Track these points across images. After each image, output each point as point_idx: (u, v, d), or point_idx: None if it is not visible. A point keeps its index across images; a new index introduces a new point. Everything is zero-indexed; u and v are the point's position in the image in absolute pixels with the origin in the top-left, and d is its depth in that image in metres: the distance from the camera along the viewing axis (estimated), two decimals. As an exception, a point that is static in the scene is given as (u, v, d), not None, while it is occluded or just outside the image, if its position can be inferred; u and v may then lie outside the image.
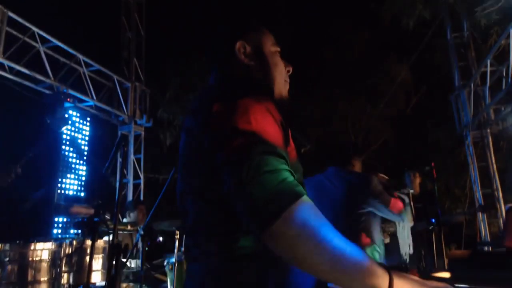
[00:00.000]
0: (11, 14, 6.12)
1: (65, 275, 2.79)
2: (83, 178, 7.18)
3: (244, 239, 1.08)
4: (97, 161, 7.28)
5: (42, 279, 2.62)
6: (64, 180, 6.73)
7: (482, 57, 8.34)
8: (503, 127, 8.30)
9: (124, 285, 3.74)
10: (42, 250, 2.69)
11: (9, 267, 2.50)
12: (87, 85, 7.66)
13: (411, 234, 4.64)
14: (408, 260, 4.44)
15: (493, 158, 8.22)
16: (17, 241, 2.62)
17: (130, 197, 8.59)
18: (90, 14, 10.73)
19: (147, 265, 4.04)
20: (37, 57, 6.66)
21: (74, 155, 7.03)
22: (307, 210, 0.95)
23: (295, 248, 0.93)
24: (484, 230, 8.05)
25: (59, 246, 2.81)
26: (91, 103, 7.76)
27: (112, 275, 2.46)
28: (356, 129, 13.79)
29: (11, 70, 6.21)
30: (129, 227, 4.41)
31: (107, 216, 3.39)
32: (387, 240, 4.45)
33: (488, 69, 7.57)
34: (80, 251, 2.88)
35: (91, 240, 2.70)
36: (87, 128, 7.55)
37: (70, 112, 7.04)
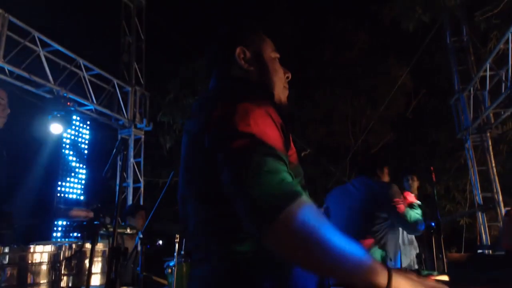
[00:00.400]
0: (11, 18, 6.14)
1: (65, 278, 2.79)
2: (83, 182, 7.18)
3: (245, 242, 1.09)
4: (97, 165, 7.27)
5: (41, 282, 2.62)
6: (64, 184, 6.73)
7: (481, 61, 8.36)
8: (503, 131, 8.32)
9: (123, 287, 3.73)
10: (41, 253, 2.69)
11: (8, 270, 2.49)
12: (87, 89, 7.67)
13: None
14: (415, 264, 4.46)
15: (493, 161, 8.23)
16: (17, 244, 2.62)
17: (130, 200, 8.59)
18: (90, 18, 10.75)
19: (147, 268, 4.04)
20: (37, 61, 6.67)
21: (74, 159, 7.03)
22: (306, 210, 0.96)
23: (295, 247, 0.94)
24: (484, 234, 8.05)
25: (59, 249, 2.81)
26: (91, 107, 7.76)
27: (112, 278, 2.46)
28: (356, 131, 13.79)
29: (12, 74, 6.22)
30: (128, 230, 4.41)
31: (107, 220, 3.39)
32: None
33: (488, 73, 7.59)
34: (79, 254, 2.88)
35: (90, 243, 2.70)
36: (87, 132, 7.56)
37: (70, 116, 7.05)
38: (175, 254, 3.58)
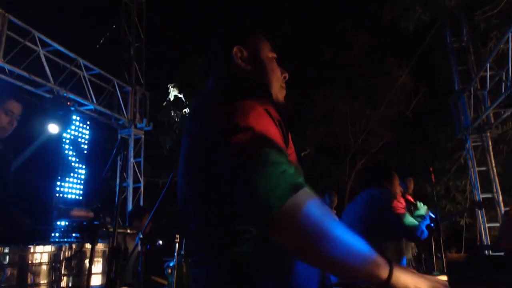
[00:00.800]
0: (11, 18, 6.14)
1: (65, 279, 2.79)
2: (83, 182, 7.17)
3: (246, 243, 1.09)
4: (97, 165, 7.27)
5: (41, 282, 2.62)
6: (64, 184, 6.72)
7: (481, 61, 8.36)
8: (503, 131, 8.32)
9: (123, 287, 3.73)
10: (41, 253, 2.69)
11: (8, 270, 2.50)
12: (87, 88, 7.67)
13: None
14: (413, 262, 4.47)
15: (493, 161, 8.23)
16: (17, 244, 2.62)
17: (130, 200, 8.59)
18: (90, 18, 10.76)
19: (147, 267, 4.04)
20: (37, 61, 6.67)
21: (74, 159, 7.03)
22: (311, 200, 0.96)
23: (300, 237, 0.94)
24: (484, 234, 8.05)
25: (59, 249, 2.81)
26: (91, 106, 7.76)
27: (112, 278, 2.46)
28: (356, 131, 13.80)
29: (12, 74, 6.22)
30: (129, 231, 4.41)
31: (107, 220, 3.39)
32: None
33: (488, 73, 7.58)
34: (79, 254, 2.89)
35: (90, 243, 2.70)
36: (87, 132, 7.55)
37: (70, 116, 7.05)
38: (175, 254, 3.58)
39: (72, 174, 6.90)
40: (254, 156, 0.98)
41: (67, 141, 6.90)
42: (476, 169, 8.42)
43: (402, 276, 0.95)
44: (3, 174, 2.86)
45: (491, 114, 8.13)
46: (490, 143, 8.34)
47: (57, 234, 5.30)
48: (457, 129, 8.92)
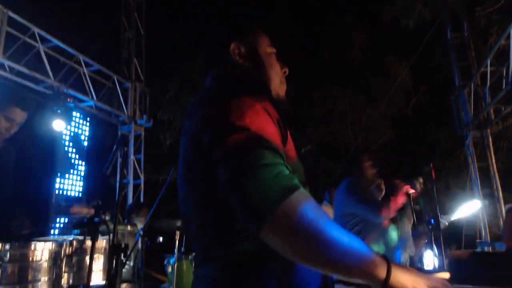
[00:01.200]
0: (11, 14, 6.12)
1: (65, 275, 2.79)
2: (83, 178, 7.17)
3: (248, 241, 1.08)
4: (97, 161, 7.27)
5: (42, 279, 2.63)
6: (64, 180, 6.72)
7: (482, 57, 8.34)
8: (503, 127, 8.31)
9: (124, 285, 3.74)
10: (42, 250, 2.70)
11: (9, 267, 2.50)
12: (87, 85, 7.66)
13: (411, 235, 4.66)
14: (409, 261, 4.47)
15: (493, 158, 8.22)
16: (17, 241, 2.62)
17: (130, 197, 8.59)
18: (90, 13, 10.73)
19: (147, 264, 4.04)
20: (37, 57, 6.66)
21: (75, 156, 7.03)
22: (305, 203, 0.95)
23: (294, 241, 0.93)
24: (484, 230, 8.05)
25: (60, 246, 2.82)
26: (91, 103, 7.75)
27: (112, 275, 2.46)
28: (356, 129, 13.79)
29: (11, 70, 6.20)
30: (129, 228, 4.41)
31: (107, 216, 3.39)
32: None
33: (488, 69, 7.56)
34: (80, 251, 2.89)
35: (91, 240, 2.70)
36: (87, 128, 7.55)
37: (70, 112, 7.04)
38: (175, 251, 3.58)
39: (72, 171, 6.89)
40: (248, 158, 0.97)
41: (67, 137, 6.89)
42: (476, 165, 8.42)
43: (400, 275, 0.95)
44: (4, 172, 2.85)
45: (492, 110, 8.12)
46: (490, 139, 8.33)
47: (57, 231, 5.31)
48: (457, 126, 8.91)
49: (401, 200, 3.40)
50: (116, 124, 8.81)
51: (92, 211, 2.83)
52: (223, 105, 1.09)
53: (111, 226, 2.74)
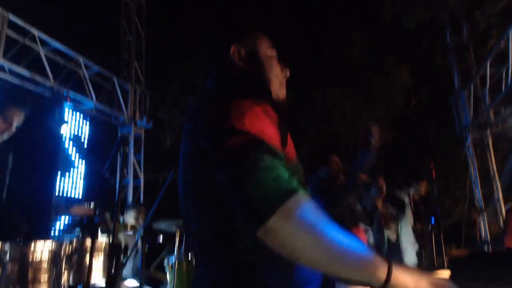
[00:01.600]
0: (11, 17, 6.13)
1: (65, 275, 2.79)
2: (83, 179, 7.18)
3: (248, 240, 1.08)
4: (97, 162, 7.27)
5: (42, 278, 2.63)
6: (64, 180, 6.73)
7: (481, 59, 8.35)
8: (503, 129, 8.31)
9: (124, 282, 3.74)
10: (42, 250, 2.70)
11: (9, 266, 2.50)
12: (87, 87, 7.66)
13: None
14: (416, 259, 4.46)
15: (493, 159, 8.21)
16: (17, 240, 2.62)
17: (130, 198, 8.59)
18: (90, 16, 10.76)
19: (147, 264, 4.04)
20: (37, 60, 6.67)
21: (74, 156, 7.03)
22: (304, 206, 0.95)
23: (292, 243, 0.93)
24: (484, 230, 8.04)
25: (59, 245, 2.82)
26: (91, 104, 7.75)
27: (112, 274, 2.46)
28: (356, 129, 13.77)
29: (12, 72, 6.21)
30: (129, 229, 4.41)
31: (107, 216, 3.39)
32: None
33: (488, 71, 7.57)
34: (80, 250, 2.89)
35: (91, 240, 2.70)
36: (87, 130, 7.56)
37: (70, 113, 7.05)
38: (175, 250, 3.58)
39: (72, 170, 6.90)
40: (248, 161, 0.97)
41: (67, 138, 6.90)
42: (476, 166, 8.42)
43: (401, 276, 0.94)
44: (1, 171, 2.86)
45: (491, 112, 8.12)
46: (490, 141, 8.33)
47: (57, 231, 5.31)
48: (457, 127, 8.91)
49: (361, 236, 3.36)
50: (116, 126, 8.82)
51: (92, 211, 2.84)
52: (223, 107, 1.09)
53: (111, 226, 2.74)
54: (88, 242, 2.83)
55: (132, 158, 8.84)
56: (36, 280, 2.60)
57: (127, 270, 3.78)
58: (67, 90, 6.92)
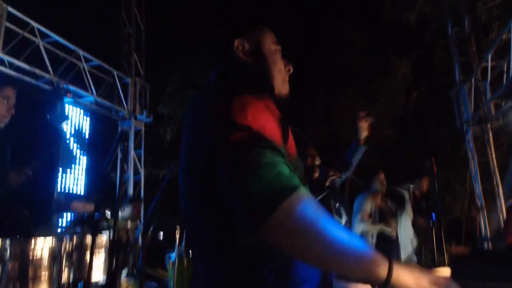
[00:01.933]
0: (10, 9, 6.10)
1: (66, 271, 2.80)
2: (84, 174, 7.18)
3: (248, 237, 1.08)
4: (98, 157, 7.28)
5: (42, 275, 2.63)
6: (65, 175, 6.74)
7: (483, 51, 8.31)
8: (504, 123, 8.29)
9: (124, 280, 3.75)
10: (42, 246, 2.70)
11: (9, 263, 2.50)
12: (87, 80, 7.65)
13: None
14: (414, 255, 4.47)
15: (493, 153, 8.20)
16: (18, 237, 2.61)
17: (130, 192, 8.60)
18: (89, 9, 10.70)
19: (148, 260, 4.05)
20: (36, 53, 6.65)
21: (75, 151, 7.04)
22: (304, 203, 0.95)
23: (293, 241, 0.94)
24: (484, 226, 8.05)
25: (60, 242, 2.82)
26: (91, 98, 7.74)
27: (113, 271, 2.46)
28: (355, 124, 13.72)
29: (11, 66, 6.19)
30: (129, 224, 4.41)
31: (108, 212, 3.40)
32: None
33: (489, 64, 7.53)
34: (80, 247, 2.89)
35: (91, 236, 2.70)
36: (87, 124, 7.55)
37: (70, 107, 7.05)
38: (175, 246, 3.59)
39: (73, 166, 6.91)
40: (249, 157, 0.97)
41: (68, 132, 6.90)
42: (477, 161, 8.41)
43: (402, 274, 0.95)
44: (1, 166, 2.85)
45: (492, 106, 8.09)
46: (491, 135, 8.32)
47: (58, 227, 5.32)
48: (457, 121, 8.89)
49: None
50: (116, 120, 8.81)
51: (92, 207, 2.84)
52: (225, 101, 1.08)
53: (111, 222, 2.74)
54: (89, 238, 2.83)
55: (132, 153, 8.83)
56: (36, 278, 2.60)
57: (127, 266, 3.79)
58: (66, 84, 6.90)
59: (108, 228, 3.19)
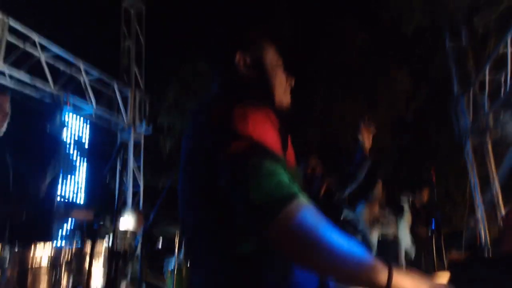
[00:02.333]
0: (11, 22, 6.14)
1: (65, 280, 2.79)
2: (84, 183, 7.17)
3: (246, 243, 1.08)
4: (97, 167, 7.28)
5: (41, 283, 2.62)
6: (64, 183, 6.73)
7: (481, 64, 8.36)
8: (502, 134, 8.30)
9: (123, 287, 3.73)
10: (42, 255, 2.69)
11: (8, 270, 2.49)
12: (87, 92, 7.68)
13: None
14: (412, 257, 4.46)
15: (492, 164, 8.20)
16: (17, 247, 2.61)
17: (129, 203, 8.57)
18: (90, 23, 10.78)
19: (147, 269, 4.04)
20: (37, 66, 6.68)
21: (75, 161, 7.04)
22: (304, 210, 0.96)
23: (294, 248, 0.94)
24: (484, 235, 8.02)
25: (59, 251, 2.81)
26: (91, 110, 7.76)
27: (112, 279, 2.46)
28: (355, 133, 13.69)
29: (12, 78, 6.22)
30: (128, 234, 4.41)
31: (107, 222, 3.39)
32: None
33: (487, 76, 7.58)
34: (79, 256, 2.88)
35: (91, 245, 2.70)
36: (87, 135, 7.56)
37: (70, 115, 7.05)
38: (174, 255, 3.58)
39: (71, 177, 6.90)
40: (249, 166, 0.98)
41: (69, 141, 6.91)
42: (476, 171, 8.41)
43: (402, 281, 0.95)
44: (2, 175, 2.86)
45: (491, 117, 8.11)
46: (490, 146, 8.32)
47: (58, 235, 5.30)
48: (456, 132, 8.90)
49: None
50: (116, 131, 8.82)
51: (91, 216, 2.83)
52: (226, 112, 1.09)
53: (110, 232, 2.74)
54: (88, 247, 2.83)
55: (131, 164, 8.83)
56: (35, 285, 2.59)
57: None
58: (67, 95, 6.92)
59: (107, 236, 3.19)
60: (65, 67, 7.36)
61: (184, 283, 3.46)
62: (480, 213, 8.21)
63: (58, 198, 6.36)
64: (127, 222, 4.86)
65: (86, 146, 7.43)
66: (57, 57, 7.15)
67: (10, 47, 6.23)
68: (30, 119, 6.13)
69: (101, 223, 2.77)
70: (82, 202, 6.89)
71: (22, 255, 2.60)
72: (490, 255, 6.95)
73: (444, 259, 3.45)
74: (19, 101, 6.22)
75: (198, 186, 1.18)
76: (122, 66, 9.29)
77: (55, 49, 7.01)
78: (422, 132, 13.11)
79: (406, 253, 4.62)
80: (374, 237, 4.43)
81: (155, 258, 4.05)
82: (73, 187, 6.92)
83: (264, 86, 1.34)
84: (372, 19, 11.10)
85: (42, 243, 2.79)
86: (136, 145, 9.03)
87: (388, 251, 4.38)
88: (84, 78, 7.62)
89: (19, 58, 6.37)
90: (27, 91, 6.47)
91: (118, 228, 2.70)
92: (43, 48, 6.76)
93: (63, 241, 5.67)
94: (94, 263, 2.72)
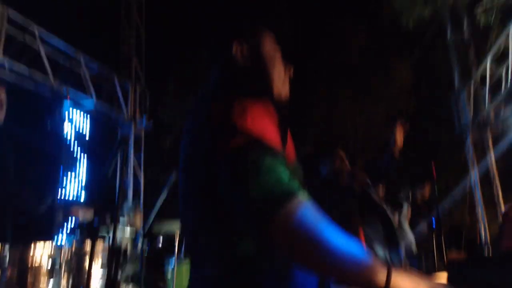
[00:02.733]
0: (11, 13, 6.11)
1: (65, 278, 2.79)
2: (84, 179, 7.17)
3: (246, 241, 1.08)
4: (97, 162, 7.27)
5: (42, 281, 2.63)
6: (65, 180, 6.72)
7: (482, 57, 8.31)
8: (503, 128, 8.28)
9: (123, 286, 3.74)
10: (42, 253, 2.70)
11: (8, 270, 2.50)
12: (87, 85, 7.64)
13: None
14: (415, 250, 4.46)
15: (493, 159, 8.18)
16: (17, 245, 2.61)
17: (130, 199, 8.57)
18: (90, 14, 10.75)
19: (147, 267, 4.04)
20: (37, 58, 6.65)
21: (75, 155, 7.03)
22: (304, 208, 0.95)
23: (293, 246, 0.94)
24: (484, 232, 8.02)
25: (59, 249, 2.81)
26: (91, 103, 7.73)
27: (112, 278, 2.46)
28: (356, 129, 13.73)
29: (11, 71, 6.19)
30: (128, 232, 4.40)
31: (107, 218, 3.39)
32: None
33: (488, 69, 7.54)
34: (79, 254, 2.88)
35: (91, 243, 2.70)
36: (87, 129, 7.54)
37: (71, 109, 7.03)
38: (175, 253, 3.58)
39: (71, 173, 6.90)
40: (249, 163, 0.98)
41: (68, 137, 6.90)
42: (476, 166, 8.39)
43: (401, 281, 0.94)
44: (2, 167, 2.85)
45: (492, 111, 8.08)
46: (490, 140, 8.30)
47: (58, 233, 5.30)
48: (456, 126, 8.88)
49: None
50: (116, 125, 8.79)
51: (92, 212, 2.83)
52: (225, 105, 1.08)
53: (111, 228, 2.74)
54: (88, 245, 2.83)
55: (132, 159, 8.81)
56: (36, 284, 2.60)
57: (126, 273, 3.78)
58: (67, 89, 6.89)
59: (107, 234, 3.19)
60: (64, 60, 7.32)
61: (184, 281, 3.46)
62: (480, 209, 8.21)
63: (59, 196, 6.37)
64: (128, 219, 4.86)
65: (87, 140, 7.42)
66: (56, 49, 7.12)
67: (9, 39, 6.20)
68: (29, 112, 6.13)
69: (102, 219, 2.78)
70: (82, 199, 6.89)
71: (22, 254, 2.60)
72: (490, 254, 6.95)
73: (445, 257, 3.45)
74: (19, 95, 6.20)
75: (197, 185, 1.17)
76: (122, 59, 9.25)
77: (55, 41, 6.97)
78: (423, 127, 13.09)
79: (408, 249, 4.62)
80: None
81: (155, 257, 4.05)
82: (74, 183, 6.90)
83: (262, 77, 1.33)
84: (372, 13, 11.06)
85: (42, 242, 2.79)
86: (137, 139, 9.00)
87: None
88: (84, 71, 7.58)
89: (19, 50, 6.34)
90: (27, 82, 6.44)
91: (118, 226, 2.70)
92: (43, 39, 6.72)
93: (63, 240, 5.68)
94: (94, 262, 2.72)
